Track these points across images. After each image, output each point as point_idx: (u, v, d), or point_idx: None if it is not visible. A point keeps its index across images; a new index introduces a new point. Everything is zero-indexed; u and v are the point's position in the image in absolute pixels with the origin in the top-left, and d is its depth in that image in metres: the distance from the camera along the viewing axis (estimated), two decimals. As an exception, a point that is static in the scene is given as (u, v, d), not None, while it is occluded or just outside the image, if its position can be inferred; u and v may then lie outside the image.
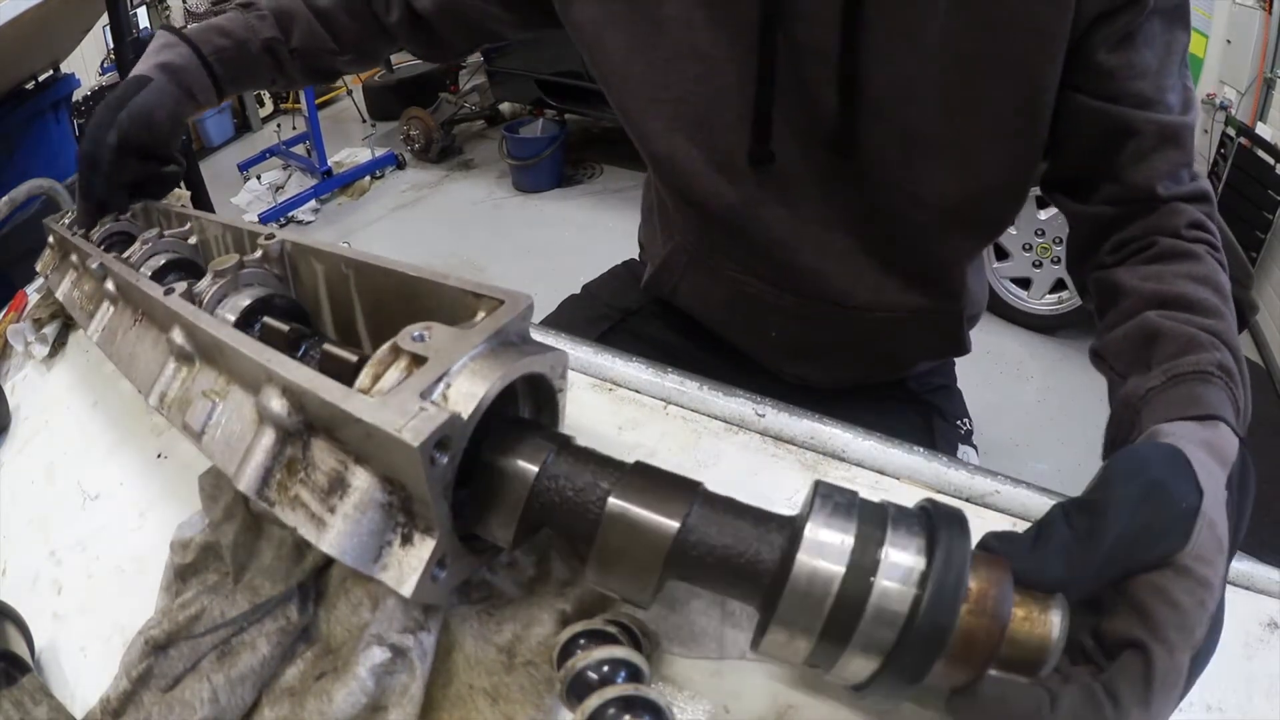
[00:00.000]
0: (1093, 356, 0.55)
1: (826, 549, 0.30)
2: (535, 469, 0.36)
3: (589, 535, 0.34)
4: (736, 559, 0.32)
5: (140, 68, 0.70)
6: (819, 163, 0.64)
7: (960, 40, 0.55)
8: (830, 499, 0.32)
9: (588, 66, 0.70)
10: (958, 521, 0.31)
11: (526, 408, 0.43)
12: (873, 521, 0.31)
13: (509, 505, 0.36)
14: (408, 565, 0.35)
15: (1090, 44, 0.54)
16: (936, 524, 0.30)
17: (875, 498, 0.48)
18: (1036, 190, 2.01)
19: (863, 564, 0.29)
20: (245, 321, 0.46)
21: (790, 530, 0.32)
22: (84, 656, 0.45)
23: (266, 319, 0.46)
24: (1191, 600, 0.30)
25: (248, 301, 0.47)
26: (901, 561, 0.29)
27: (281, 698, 0.36)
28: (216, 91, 0.74)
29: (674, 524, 0.32)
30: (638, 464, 0.36)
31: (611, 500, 0.34)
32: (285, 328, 0.45)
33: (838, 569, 0.30)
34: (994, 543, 0.32)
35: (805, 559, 0.30)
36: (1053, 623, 0.29)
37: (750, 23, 0.59)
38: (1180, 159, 0.56)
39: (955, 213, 0.64)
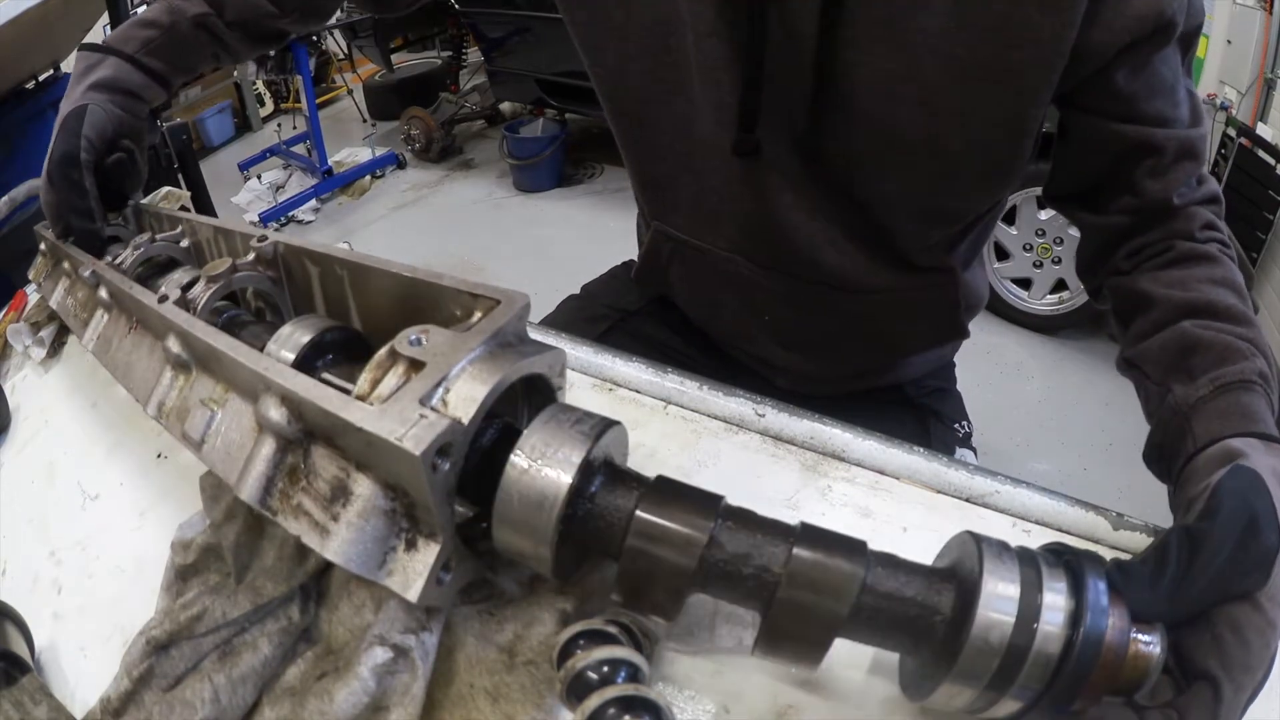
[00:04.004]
0: (1124, 364, 0.56)
1: (1000, 601, 0.31)
2: (703, 540, 0.33)
3: (765, 610, 0.33)
4: (910, 616, 0.33)
5: (72, 97, 0.67)
6: (795, 152, 0.63)
7: (954, 44, 0.54)
8: (994, 549, 0.33)
9: (574, 31, 0.68)
10: (1098, 561, 0.33)
11: (525, 409, 0.42)
12: (1031, 566, 0.32)
13: (674, 581, 0.34)
14: (413, 570, 0.35)
15: (1111, 70, 0.54)
16: (1079, 565, 0.32)
17: (878, 498, 0.48)
18: (1037, 192, 2.02)
19: (1028, 612, 0.31)
20: (305, 364, 0.42)
21: (956, 583, 0.33)
22: (84, 656, 0.45)
23: (326, 375, 0.41)
24: (1260, 641, 0.32)
25: (307, 338, 0.43)
26: (1056, 604, 0.31)
27: (283, 698, 0.36)
28: (161, 85, 0.72)
29: (854, 588, 0.32)
30: (805, 526, 0.34)
31: (787, 574, 0.33)
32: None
33: (1009, 619, 0.31)
34: (1116, 577, 0.33)
35: (984, 613, 0.31)
36: (1154, 654, 0.31)
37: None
38: (1195, 169, 0.57)
39: (925, 204, 0.64)
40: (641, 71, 0.66)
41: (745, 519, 0.35)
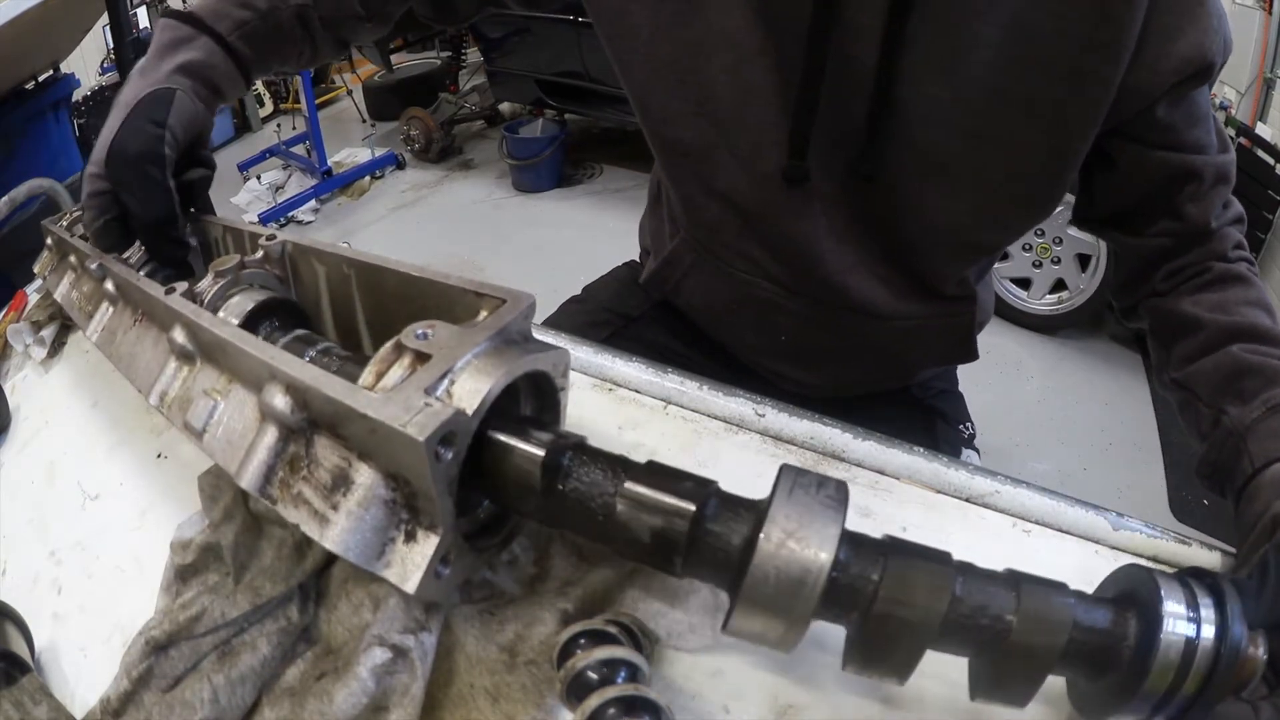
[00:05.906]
0: (1172, 385, 0.59)
1: (1177, 627, 0.33)
2: (947, 599, 0.33)
3: (991, 656, 0.33)
4: (1105, 646, 0.33)
5: (155, 75, 0.58)
6: (839, 178, 0.63)
7: (1002, 75, 0.55)
8: (1165, 578, 0.34)
9: (604, 42, 0.67)
10: (1229, 581, 0.35)
11: (528, 406, 0.43)
12: (1187, 589, 0.34)
13: (917, 640, 0.33)
14: (411, 562, 0.35)
15: (1152, 105, 0.56)
16: (1215, 582, 0.34)
17: (878, 498, 0.48)
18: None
19: (1191, 634, 0.33)
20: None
21: (1136, 611, 0.34)
22: (84, 656, 0.45)
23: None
24: None
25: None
26: (1209, 619, 0.33)
27: (282, 698, 0.36)
28: (244, 80, 0.65)
29: (1068, 627, 0.33)
30: (1011, 572, 0.35)
31: (1019, 620, 0.33)
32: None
33: (1181, 640, 0.33)
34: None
35: (1166, 637, 0.33)
36: (1261, 657, 0.34)
37: (794, 22, 0.57)
38: (1227, 193, 0.61)
39: (965, 236, 0.65)
40: (668, 90, 0.65)
41: (972, 571, 0.35)
